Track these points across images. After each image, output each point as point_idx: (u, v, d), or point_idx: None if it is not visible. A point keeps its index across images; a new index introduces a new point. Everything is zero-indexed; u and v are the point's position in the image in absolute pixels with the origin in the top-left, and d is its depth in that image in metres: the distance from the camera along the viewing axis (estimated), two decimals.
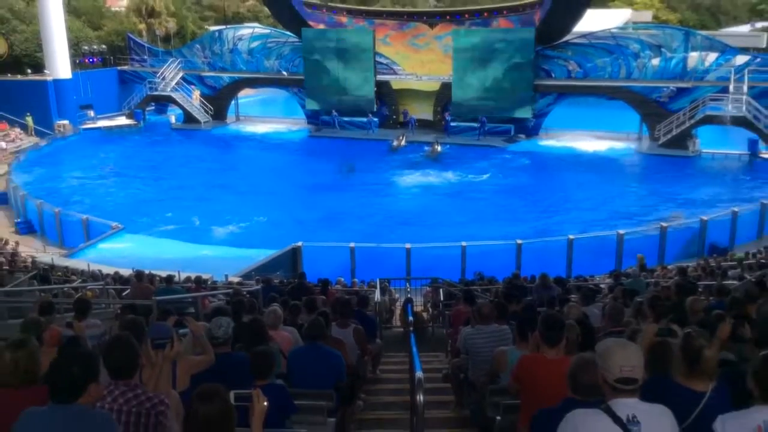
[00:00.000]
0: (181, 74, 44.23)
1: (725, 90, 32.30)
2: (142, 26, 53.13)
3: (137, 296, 10.43)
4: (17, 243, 22.16)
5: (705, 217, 20.96)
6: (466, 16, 39.06)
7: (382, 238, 21.51)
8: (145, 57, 46.61)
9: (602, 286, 12.51)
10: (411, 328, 8.45)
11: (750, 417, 3.00)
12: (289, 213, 26.54)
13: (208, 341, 4.77)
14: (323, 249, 19.59)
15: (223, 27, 48.26)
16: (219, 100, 44.33)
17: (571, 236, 19.60)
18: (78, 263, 18.92)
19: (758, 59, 33.19)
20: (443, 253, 19.17)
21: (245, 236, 23.83)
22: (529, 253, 18.68)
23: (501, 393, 5.26)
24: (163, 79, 43.86)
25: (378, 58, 40.00)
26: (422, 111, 40.00)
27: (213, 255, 21.23)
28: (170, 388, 3.85)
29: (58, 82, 40.90)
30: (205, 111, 43.83)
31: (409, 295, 13.16)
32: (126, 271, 16.11)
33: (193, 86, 44.29)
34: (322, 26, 41.22)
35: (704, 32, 39.66)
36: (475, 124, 37.14)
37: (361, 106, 40.07)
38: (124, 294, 11.98)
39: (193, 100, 43.71)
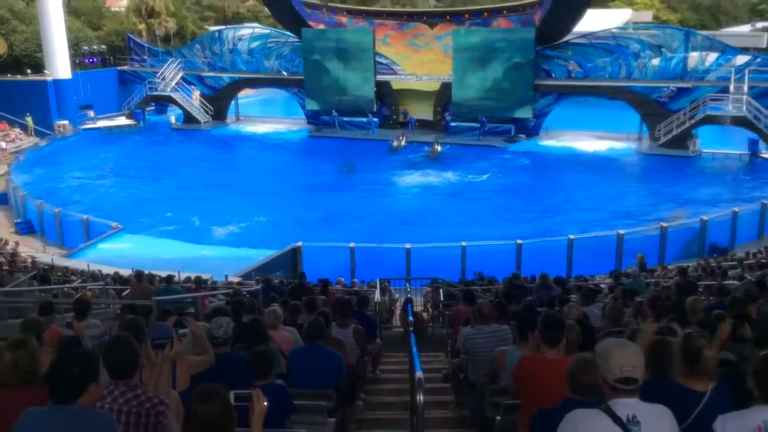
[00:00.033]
0: (181, 74, 44.23)
1: (725, 90, 32.31)
2: (141, 26, 53.13)
3: (137, 296, 10.44)
4: (17, 243, 22.17)
5: (705, 217, 20.96)
6: (466, 16, 39.05)
7: (382, 238, 21.50)
8: (145, 57, 46.61)
9: (602, 286, 12.51)
10: (411, 328, 8.45)
11: (750, 417, 3.00)
12: (289, 213, 26.53)
13: (208, 341, 4.78)
14: (323, 249, 19.59)
15: (223, 27, 48.26)
16: (219, 100, 44.33)
17: (571, 236, 19.59)
18: (78, 263, 18.94)
19: (758, 59, 33.20)
20: (443, 254, 19.17)
21: (245, 236, 23.83)
22: (529, 253, 18.69)
23: (501, 393, 5.26)
24: (163, 79, 43.86)
25: (378, 58, 40.00)
26: (422, 111, 40.00)
27: (213, 255, 21.23)
28: (170, 388, 3.85)
29: (58, 83, 40.89)
30: (205, 111, 43.84)
31: (409, 295, 13.17)
32: (126, 272, 16.12)
33: (193, 86, 44.29)
34: (322, 26, 41.22)
35: (704, 32, 39.67)
36: (475, 124, 37.14)
37: (361, 106, 40.07)
38: (123, 294, 11.98)
39: (193, 101, 43.72)
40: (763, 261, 14.08)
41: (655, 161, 32.64)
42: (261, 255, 19.78)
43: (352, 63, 39.67)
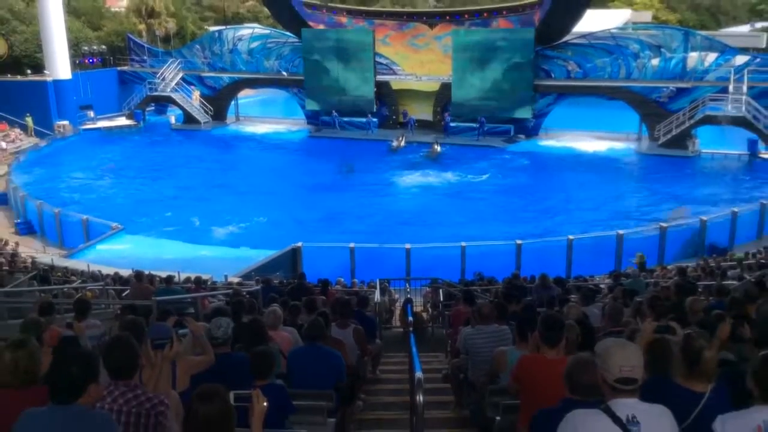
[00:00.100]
0: (180, 75, 44.23)
1: (725, 90, 32.31)
2: (141, 27, 53.09)
3: (137, 297, 10.44)
4: (17, 243, 22.18)
5: (705, 218, 20.99)
6: (466, 16, 39.05)
7: (381, 238, 21.50)
8: (145, 57, 46.60)
9: (602, 286, 12.52)
10: (411, 329, 8.45)
11: (750, 417, 3.00)
12: (289, 213, 26.53)
13: (208, 341, 4.78)
14: (323, 249, 19.60)
15: (223, 27, 48.26)
16: (219, 100, 44.33)
17: (571, 236, 19.61)
18: (78, 264, 18.94)
19: (758, 59, 33.19)
20: (443, 254, 19.19)
21: (245, 236, 23.83)
22: (528, 254, 18.70)
23: (501, 393, 5.26)
24: (163, 79, 43.84)
25: (378, 59, 40.00)
26: (422, 111, 39.99)
27: (213, 255, 21.23)
28: (170, 388, 3.85)
29: (57, 83, 40.88)
30: (205, 111, 43.82)
31: (408, 296, 13.17)
32: (126, 272, 16.13)
33: (192, 87, 44.28)
34: (321, 26, 41.22)
35: (704, 32, 39.65)
36: (474, 125, 37.15)
37: (360, 106, 40.07)
38: (123, 294, 11.99)
39: (193, 101, 43.71)
40: (763, 261, 14.09)
41: (655, 161, 32.64)
42: (261, 255, 19.79)
43: (351, 63, 39.68)
